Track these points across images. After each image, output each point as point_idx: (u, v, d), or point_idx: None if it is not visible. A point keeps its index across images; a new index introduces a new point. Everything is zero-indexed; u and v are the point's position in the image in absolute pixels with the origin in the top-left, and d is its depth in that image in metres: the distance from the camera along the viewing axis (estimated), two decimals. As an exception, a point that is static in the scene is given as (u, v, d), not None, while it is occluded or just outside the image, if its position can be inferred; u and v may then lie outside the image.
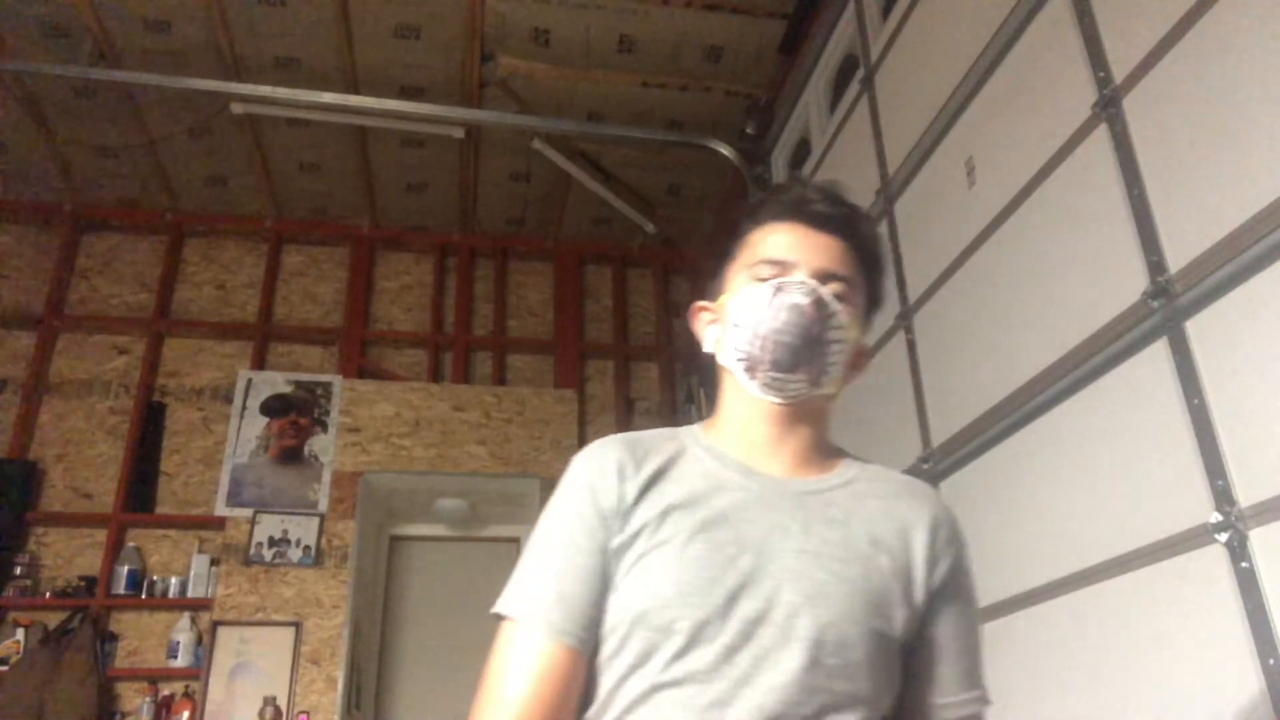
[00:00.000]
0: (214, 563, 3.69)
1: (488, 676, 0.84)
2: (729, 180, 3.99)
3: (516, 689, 0.81)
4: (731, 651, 0.79)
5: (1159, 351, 1.49)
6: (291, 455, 3.89)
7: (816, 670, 0.79)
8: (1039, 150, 1.81)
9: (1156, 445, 1.47)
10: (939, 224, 2.22)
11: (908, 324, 2.33)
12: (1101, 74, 1.65)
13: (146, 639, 3.62)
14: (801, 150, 3.30)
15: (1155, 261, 1.48)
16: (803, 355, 0.90)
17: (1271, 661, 1.23)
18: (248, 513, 3.74)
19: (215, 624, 3.53)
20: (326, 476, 3.86)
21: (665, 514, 0.86)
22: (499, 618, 0.86)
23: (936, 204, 2.24)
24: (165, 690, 3.52)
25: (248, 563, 3.64)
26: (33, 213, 4.16)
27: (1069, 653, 1.65)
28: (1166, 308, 1.45)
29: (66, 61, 3.31)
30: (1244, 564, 1.28)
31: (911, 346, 2.31)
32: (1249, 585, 1.27)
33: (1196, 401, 1.39)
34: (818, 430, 0.98)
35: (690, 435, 0.96)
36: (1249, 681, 1.26)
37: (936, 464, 2.15)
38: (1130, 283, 1.53)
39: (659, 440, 0.94)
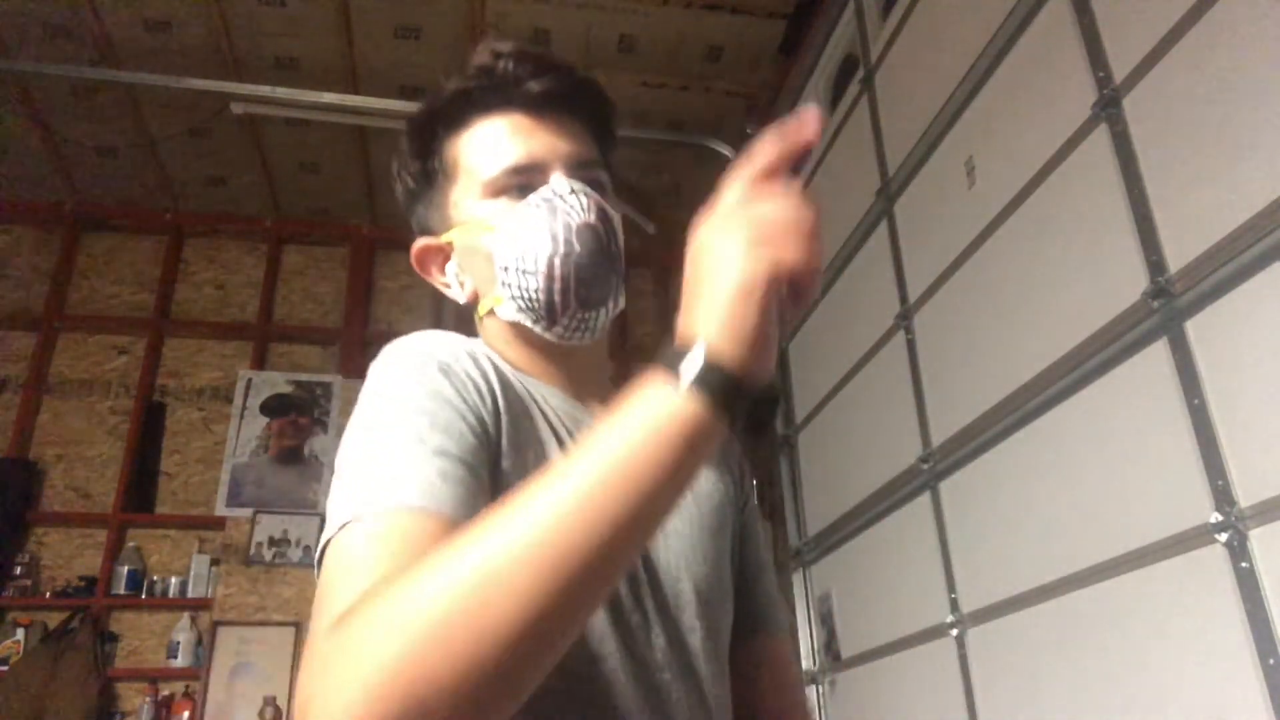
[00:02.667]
0: (214, 563, 3.69)
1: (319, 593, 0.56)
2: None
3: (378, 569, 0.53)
4: (639, 625, 0.69)
5: (1159, 351, 1.49)
6: (291, 455, 3.89)
7: (707, 627, 0.74)
8: (1039, 150, 1.81)
9: (1156, 445, 1.47)
10: (939, 224, 2.22)
11: (908, 324, 2.33)
12: (1101, 74, 1.65)
13: (146, 639, 3.62)
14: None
15: (1155, 261, 1.48)
16: (609, 281, 0.74)
17: (1271, 661, 1.23)
18: (248, 513, 3.74)
19: (215, 624, 3.52)
20: (326, 476, 3.86)
21: (530, 461, 0.68)
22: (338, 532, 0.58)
23: (936, 204, 2.24)
24: (165, 690, 3.51)
25: (248, 563, 3.64)
26: (33, 213, 4.16)
27: (1069, 653, 1.65)
28: (1166, 308, 1.45)
29: (66, 61, 3.31)
30: (1244, 564, 1.28)
31: (911, 346, 2.31)
32: (1249, 585, 1.27)
33: (1196, 401, 1.39)
34: (604, 355, 0.83)
35: (485, 351, 0.75)
36: (1249, 681, 1.26)
37: (936, 464, 2.15)
38: (1130, 283, 1.53)
39: (470, 348, 0.73)
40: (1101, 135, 1.64)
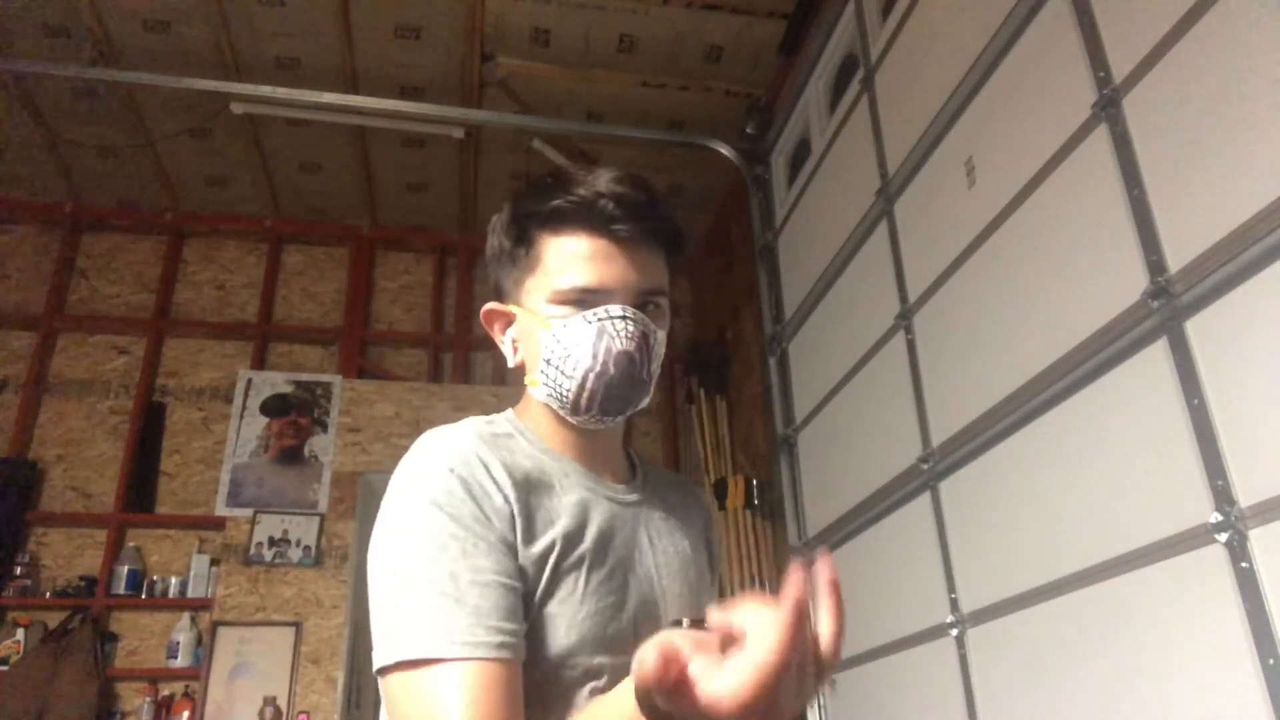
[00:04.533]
0: (214, 563, 3.69)
1: None
2: (729, 180, 3.99)
3: None
4: None
5: (1159, 351, 1.49)
6: (291, 455, 3.89)
7: None
8: (1039, 150, 1.81)
9: (1156, 445, 1.47)
10: (939, 224, 2.22)
11: (908, 324, 2.33)
12: (1101, 74, 1.65)
13: (146, 639, 3.62)
14: (801, 150, 3.30)
15: (1155, 261, 1.48)
16: (631, 399, 0.88)
17: (1271, 661, 1.23)
18: (248, 513, 3.74)
19: (215, 624, 3.53)
20: (326, 476, 3.86)
21: (559, 540, 0.82)
22: (398, 666, 0.73)
23: (936, 204, 2.24)
24: (165, 690, 3.52)
25: (248, 563, 3.64)
26: (33, 213, 4.16)
27: (1069, 653, 1.65)
28: (1166, 308, 1.45)
29: (66, 61, 3.31)
30: (1244, 564, 1.28)
31: (911, 346, 2.31)
32: (1249, 585, 1.28)
33: (1196, 401, 1.39)
34: (621, 429, 0.96)
35: (515, 430, 0.91)
36: (1249, 681, 1.26)
37: (936, 464, 2.15)
38: (1130, 283, 1.53)
39: (495, 439, 0.87)
40: (1101, 135, 1.64)
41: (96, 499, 3.77)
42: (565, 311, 0.86)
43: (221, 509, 3.75)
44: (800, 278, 3.13)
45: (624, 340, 0.85)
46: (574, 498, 0.87)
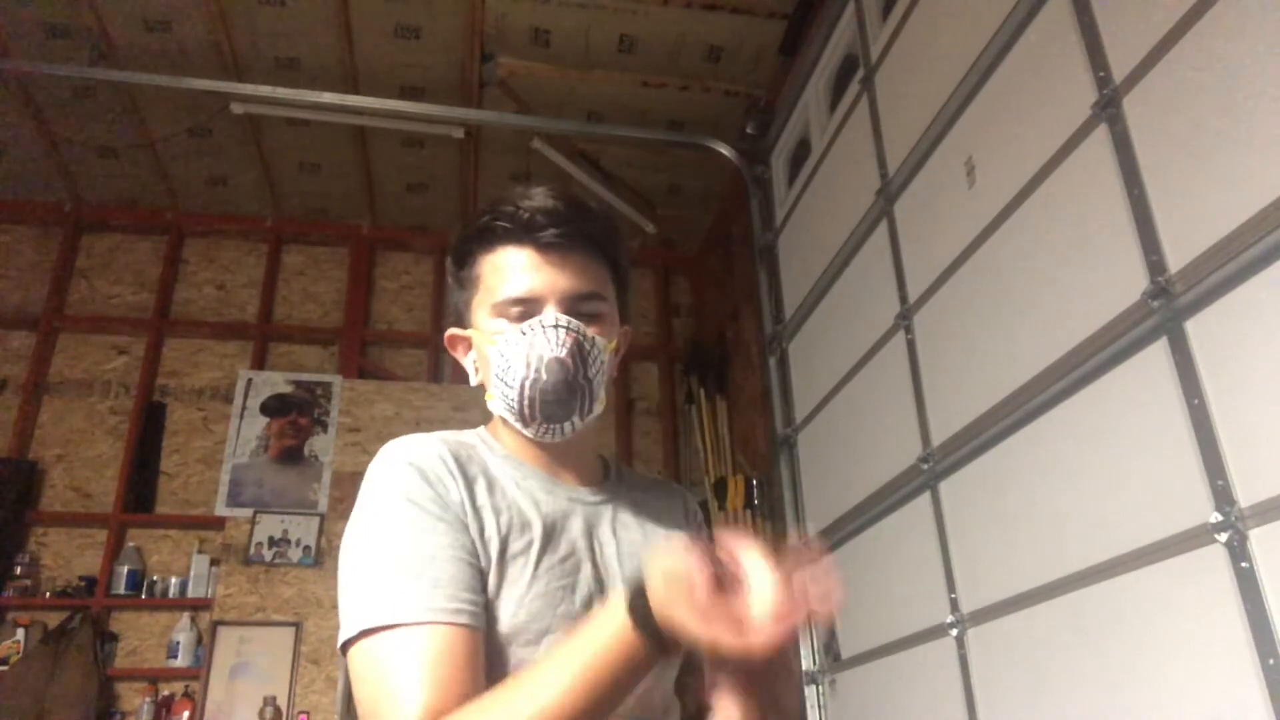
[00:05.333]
0: (214, 563, 3.69)
1: (369, 700, 0.76)
2: (729, 180, 3.99)
3: (421, 692, 0.73)
4: None
5: (1159, 351, 1.49)
6: (291, 455, 3.89)
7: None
8: (1039, 150, 1.81)
9: (1156, 445, 1.47)
10: (939, 224, 2.22)
11: (908, 324, 2.33)
12: (1101, 74, 1.65)
13: (146, 639, 3.62)
14: (801, 150, 3.30)
15: (1155, 261, 1.48)
16: (571, 404, 0.91)
17: (1271, 661, 1.23)
18: (248, 513, 3.74)
19: (215, 624, 3.53)
20: (326, 476, 3.86)
21: (504, 528, 0.86)
22: (360, 637, 0.77)
23: (936, 204, 2.24)
24: (165, 690, 3.52)
25: (248, 563, 3.64)
26: (33, 213, 4.16)
27: (1069, 653, 1.65)
28: (1166, 308, 1.45)
29: (66, 61, 3.31)
30: (1244, 564, 1.28)
31: (911, 346, 2.31)
32: (1249, 585, 1.28)
33: (1196, 401, 1.39)
34: (591, 440, 1.00)
35: (481, 440, 0.97)
36: (1249, 681, 1.26)
37: (936, 464, 2.15)
38: (1130, 283, 1.53)
39: (459, 444, 0.93)
40: (1101, 135, 1.64)
41: (96, 499, 3.77)
42: (503, 324, 0.91)
43: (221, 509, 3.75)
44: (800, 278, 3.13)
45: (555, 347, 0.88)
46: (526, 495, 0.91)
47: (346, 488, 3.84)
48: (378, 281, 4.48)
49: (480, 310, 0.94)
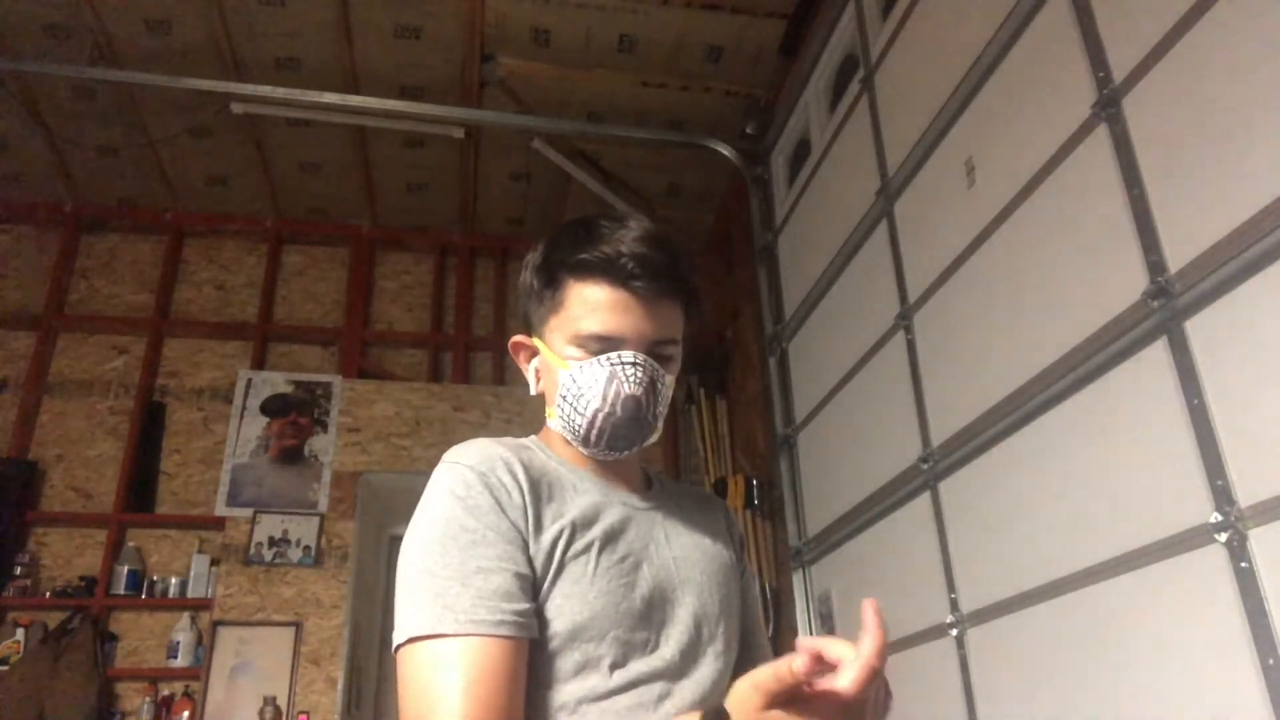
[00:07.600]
0: (214, 563, 3.69)
1: (412, 707, 0.78)
2: (729, 180, 3.99)
3: (459, 706, 0.76)
4: (665, 652, 0.90)
5: (1159, 351, 1.49)
6: (291, 455, 3.89)
7: (716, 653, 0.96)
8: (1039, 150, 1.81)
9: (1156, 445, 1.47)
10: (939, 224, 2.22)
11: (908, 324, 2.33)
12: (1101, 74, 1.65)
13: (146, 639, 3.62)
14: (801, 150, 3.30)
15: (1155, 261, 1.48)
16: (634, 437, 0.96)
17: (1271, 661, 1.23)
18: (248, 513, 3.74)
19: (215, 624, 3.53)
20: (326, 476, 3.86)
21: (568, 528, 0.89)
22: (407, 643, 0.81)
23: (936, 204, 2.24)
24: (165, 690, 3.52)
25: (248, 563, 3.64)
26: (33, 213, 4.16)
27: (1069, 653, 1.65)
28: (1166, 308, 1.45)
29: (66, 61, 3.31)
30: (1244, 564, 1.28)
31: (911, 346, 2.31)
32: (1249, 585, 1.27)
33: (1196, 401, 1.39)
34: (638, 453, 1.03)
35: (538, 447, 1.00)
36: (1249, 681, 1.26)
37: (936, 464, 2.15)
38: (1130, 283, 1.53)
39: (519, 449, 0.96)
40: (1101, 135, 1.64)
41: (96, 499, 3.77)
42: (582, 354, 0.94)
43: (221, 509, 3.75)
44: (800, 278, 3.13)
45: (633, 385, 0.92)
46: (586, 498, 0.95)
47: (346, 488, 3.85)
48: (378, 281, 4.49)
49: (558, 333, 0.96)
